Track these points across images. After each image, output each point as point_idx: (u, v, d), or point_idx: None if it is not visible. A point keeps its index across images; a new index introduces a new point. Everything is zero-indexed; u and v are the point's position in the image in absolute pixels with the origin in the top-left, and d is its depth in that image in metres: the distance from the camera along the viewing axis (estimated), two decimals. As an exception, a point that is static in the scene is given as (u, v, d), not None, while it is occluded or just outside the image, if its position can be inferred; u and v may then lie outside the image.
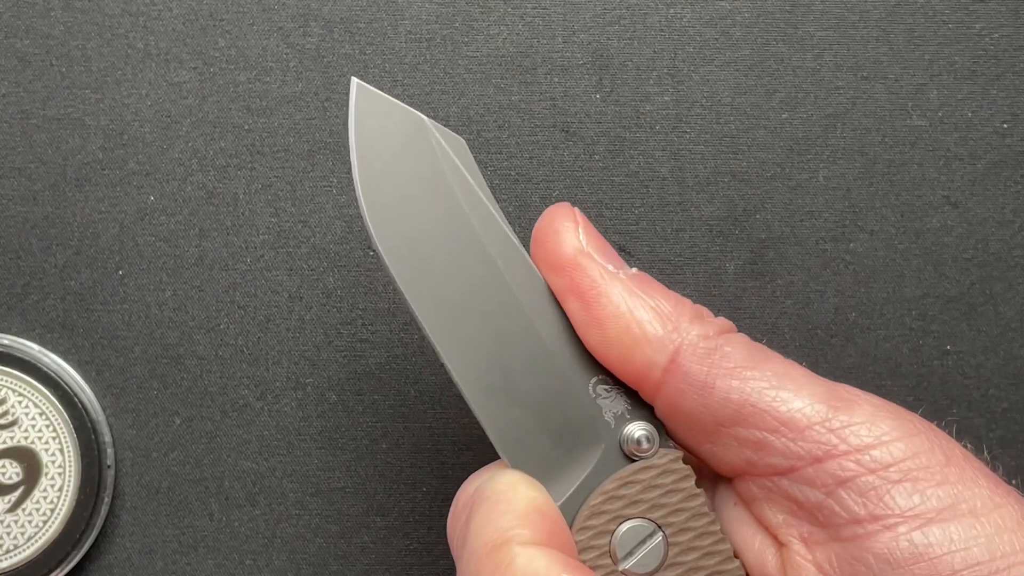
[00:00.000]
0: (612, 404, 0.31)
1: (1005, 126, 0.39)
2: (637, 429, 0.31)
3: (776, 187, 0.39)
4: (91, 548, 0.38)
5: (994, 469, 0.29)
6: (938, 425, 0.30)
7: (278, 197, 0.39)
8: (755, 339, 0.33)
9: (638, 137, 0.39)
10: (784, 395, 0.29)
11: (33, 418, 0.38)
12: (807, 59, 0.39)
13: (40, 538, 0.38)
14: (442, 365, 0.30)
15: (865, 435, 0.29)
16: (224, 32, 0.39)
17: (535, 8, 0.39)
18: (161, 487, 0.39)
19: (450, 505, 0.39)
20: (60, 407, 0.38)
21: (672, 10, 0.39)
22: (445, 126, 0.39)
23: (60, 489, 0.38)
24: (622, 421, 0.31)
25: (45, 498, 0.38)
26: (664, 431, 0.31)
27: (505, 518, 0.29)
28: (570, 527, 0.30)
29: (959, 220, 0.39)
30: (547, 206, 0.39)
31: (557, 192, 0.39)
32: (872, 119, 0.39)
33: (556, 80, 0.39)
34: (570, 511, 0.30)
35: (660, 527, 0.30)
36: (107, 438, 0.38)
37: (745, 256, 0.39)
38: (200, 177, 0.39)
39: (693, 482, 0.30)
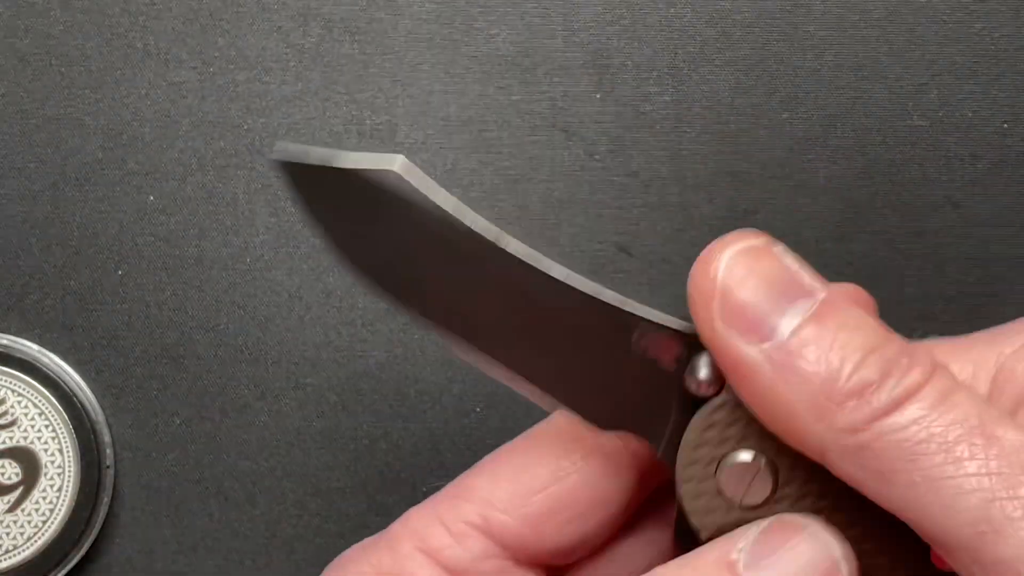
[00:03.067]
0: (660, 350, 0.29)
1: (1005, 126, 0.39)
2: (699, 369, 0.29)
3: (776, 187, 0.39)
4: (91, 548, 0.38)
5: None
6: None
7: (278, 197, 0.39)
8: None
9: (638, 137, 0.39)
10: (927, 515, 0.25)
11: (32, 418, 0.38)
12: (807, 59, 0.39)
13: (40, 538, 0.38)
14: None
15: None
16: (224, 32, 0.39)
17: (535, 8, 0.39)
18: (161, 487, 0.39)
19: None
20: (60, 407, 0.38)
21: (672, 10, 0.39)
22: (445, 126, 0.39)
23: (60, 489, 0.38)
24: (681, 366, 0.29)
25: (44, 498, 0.38)
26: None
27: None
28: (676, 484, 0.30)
29: (960, 220, 0.39)
30: (547, 206, 0.39)
31: (557, 192, 0.39)
32: (872, 119, 0.39)
33: (556, 80, 0.39)
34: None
35: (757, 453, 0.29)
36: (107, 438, 0.38)
37: (745, 256, 0.39)
38: (200, 177, 0.39)
39: None
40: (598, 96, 0.39)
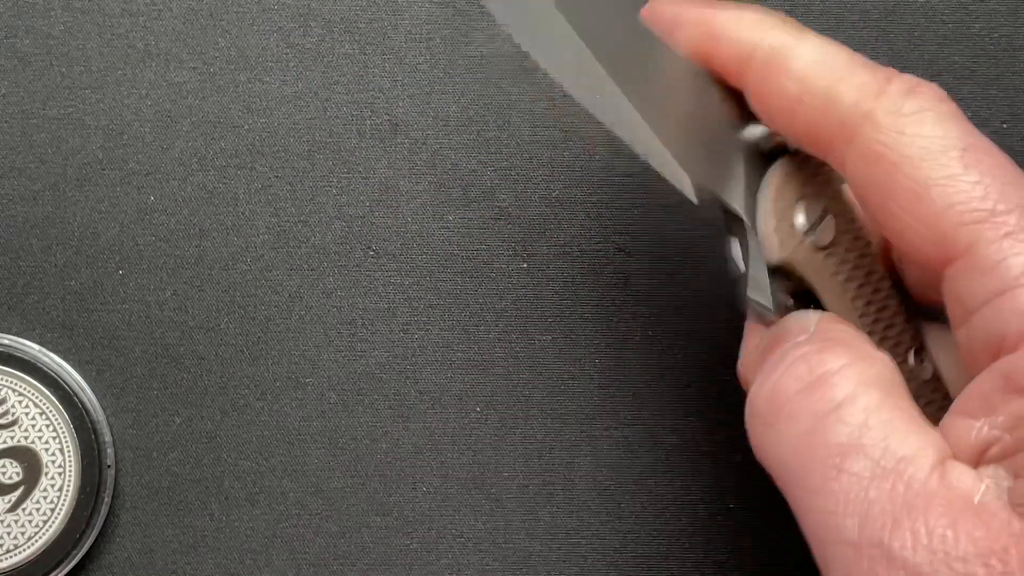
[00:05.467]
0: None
1: (1005, 126, 0.39)
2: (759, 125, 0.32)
3: (776, 187, 0.39)
4: (91, 548, 0.38)
5: None
6: None
7: (278, 197, 0.39)
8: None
9: (638, 137, 0.39)
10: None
11: (33, 418, 0.38)
12: (807, 59, 0.39)
13: (40, 538, 0.38)
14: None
15: None
16: (224, 32, 0.39)
17: (535, 8, 0.39)
18: (161, 487, 0.39)
19: (449, 505, 0.39)
20: (60, 407, 0.38)
21: (672, 10, 0.39)
22: (445, 126, 0.39)
23: (60, 489, 0.38)
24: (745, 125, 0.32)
25: (45, 498, 0.38)
26: None
27: None
28: (752, 221, 0.32)
29: (959, 220, 0.39)
30: (547, 206, 0.39)
31: (557, 192, 0.39)
32: (872, 119, 0.39)
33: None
34: (751, 207, 0.32)
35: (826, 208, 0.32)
36: (107, 438, 0.38)
37: (745, 256, 0.39)
38: (200, 177, 0.39)
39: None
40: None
